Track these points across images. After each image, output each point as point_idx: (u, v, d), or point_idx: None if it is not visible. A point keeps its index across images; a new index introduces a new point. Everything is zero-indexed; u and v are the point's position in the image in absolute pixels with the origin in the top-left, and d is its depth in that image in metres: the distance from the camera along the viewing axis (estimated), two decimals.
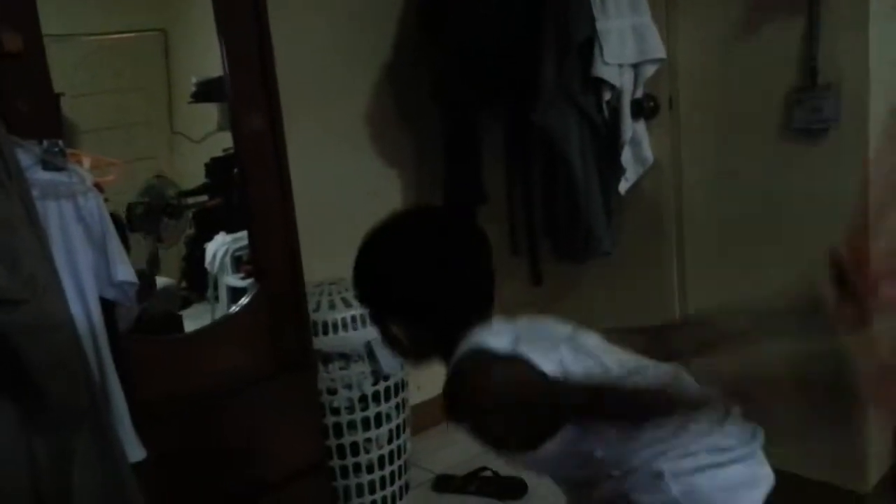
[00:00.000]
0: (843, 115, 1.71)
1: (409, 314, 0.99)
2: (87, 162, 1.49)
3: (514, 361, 0.90)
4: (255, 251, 1.81)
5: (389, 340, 1.03)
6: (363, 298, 1.05)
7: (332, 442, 1.87)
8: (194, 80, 2.02)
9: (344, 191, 2.23)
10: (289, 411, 1.72)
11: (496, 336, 0.93)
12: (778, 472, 1.97)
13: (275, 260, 1.77)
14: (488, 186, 2.24)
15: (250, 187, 1.77)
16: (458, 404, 0.93)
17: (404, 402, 1.99)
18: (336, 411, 1.86)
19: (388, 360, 1.84)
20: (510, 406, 0.90)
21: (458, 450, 2.27)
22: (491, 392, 0.90)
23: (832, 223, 1.70)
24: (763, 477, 0.97)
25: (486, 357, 0.91)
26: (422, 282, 0.97)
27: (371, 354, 1.83)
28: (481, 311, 0.99)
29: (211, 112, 2.07)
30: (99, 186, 1.46)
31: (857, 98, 1.69)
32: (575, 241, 1.99)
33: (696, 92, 1.94)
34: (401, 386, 1.96)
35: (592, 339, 1.01)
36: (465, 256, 1.00)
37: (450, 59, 2.11)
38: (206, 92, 2.03)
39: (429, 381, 2.44)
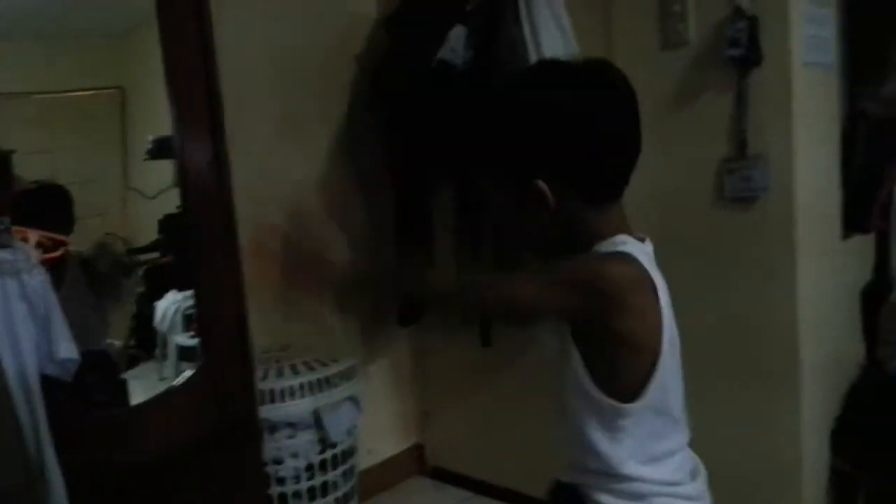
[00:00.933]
0: (771, 184, 1.83)
1: (560, 163, 0.93)
2: (33, 238, 1.53)
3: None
4: (202, 317, 1.83)
5: (522, 209, 0.98)
6: (512, 141, 0.97)
7: None
8: (150, 137, 2.07)
9: (294, 257, 2.27)
10: (234, 482, 1.74)
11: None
12: None
13: (222, 327, 1.80)
14: (439, 252, 2.31)
15: (199, 250, 1.80)
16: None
17: (352, 469, 2.02)
18: (282, 481, 1.88)
19: (335, 427, 1.87)
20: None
21: None
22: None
23: (762, 283, 1.85)
24: None
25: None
26: (587, 128, 0.93)
27: (318, 422, 1.86)
28: (615, 190, 0.99)
29: (166, 169, 2.12)
30: (46, 262, 1.50)
31: (783, 167, 1.81)
32: None
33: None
34: (349, 453, 1.99)
35: None
36: (625, 120, 0.97)
37: (402, 128, 2.20)
38: (162, 149, 2.07)
39: (379, 444, 2.48)
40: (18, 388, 1.41)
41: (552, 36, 1.96)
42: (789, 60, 1.77)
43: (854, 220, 2.09)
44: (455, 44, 2.06)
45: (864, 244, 2.19)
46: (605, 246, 0.96)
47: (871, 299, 2.19)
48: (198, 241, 1.80)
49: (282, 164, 2.26)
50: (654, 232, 1.98)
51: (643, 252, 0.98)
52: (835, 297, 2.04)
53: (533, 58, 1.95)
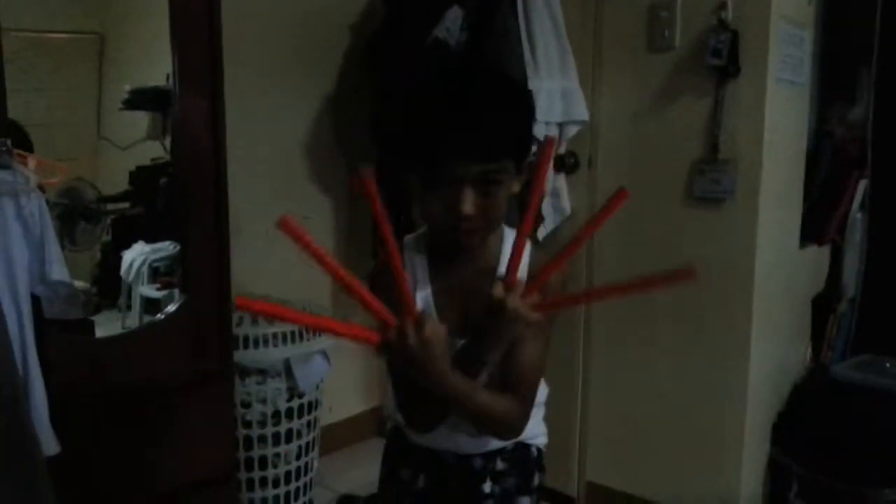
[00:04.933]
0: (738, 188, 2.05)
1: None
2: (32, 163, 1.66)
3: None
4: (185, 262, 1.97)
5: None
6: None
7: (242, 454, 2.04)
8: (128, 87, 2.16)
9: (277, 212, 2.41)
10: (203, 422, 1.88)
11: None
12: None
13: (203, 273, 1.94)
14: (418, 225, 2.48)
15: (186, 199, 1.92)
16: None
17: (315, 420, 2.18)
18: (248, 424, 2.04)
19: (304, 377, 2.04)
20: None
21: (363, 472, 2.46)
22: None
23: (722, 280, 2.07)
24: None
25: None
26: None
27: (289, 371, 2.02)
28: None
29: (141, 120, 2.22)
30: (41, 188, 1.63)
31: (751, 174, 2.03)
32: None
33: (613, 154, 2.26)
34: (314, 405, 2.16)
35: None
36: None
37: (387, 99, 2.36)
38: (139, 100, 2.17)
39: (340, 403, 2.65)
40: (10, 307, 1.53)
41: (545, 29, 2.15)
42: (765, 75, 1.99)
43: (811, 231, 2.34)
44: (450, 24, 2.22)
45: (818, 255, 2.45)
46: None
47: (821, 307, 2.45)
48: (188, 192, 1.92)
49: (270, 124, 2.41)
50: (625, 222, 2.23)
51: None
52: (788, 301, 2.28)
53: (525, 48, 2.13)
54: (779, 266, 2.17)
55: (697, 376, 2.16)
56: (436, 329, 0.95)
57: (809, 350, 2.43)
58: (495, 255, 1.14)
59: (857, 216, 2.47)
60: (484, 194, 1.03)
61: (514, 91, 1.14)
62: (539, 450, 1.27)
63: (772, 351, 2.19)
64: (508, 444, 1.22)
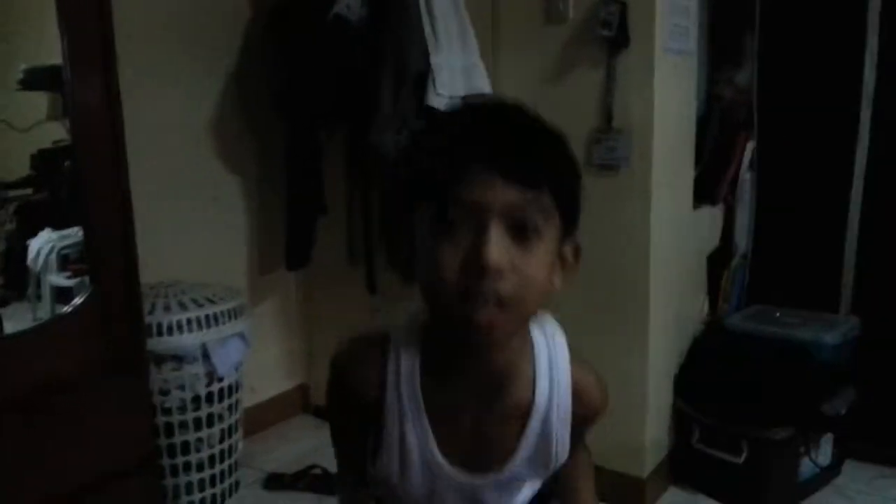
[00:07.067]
0: (632, 155, 2.16)
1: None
2: None
3: None
4: (90, 249, 1.94)
5: None
6: None
7: (163, 441, 2.06)
8: (23, 66, 2.11)
9: (184, 194, 2.41)
10: (119, 412, 1.88)
11: None
12: None
13: (109, 259, 1.91)
14: (329, 198, 2.51)
15: (86, 183, 1.88)
16: None
17: (237, 403, 2.22)
18: (168, 411, 2.06)
19: (222, 361, 2.06)
20: None
21: (289, 450, 2.53)
22: None
23: (621, 243, 2.18)
24: None
25: None
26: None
27: (206, 356, 2.04)
28: None
29: (40, 101, 2.17)
30: None
31: (643, 141, 2.14)
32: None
33: None
34: (234, 388, 2.19)
35: None
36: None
37: (293, 73, 2.36)
38: (37, 80, 2.11)
39: (263, 383, 2.68)
40: None
41: (444, 4, 2.19)
42: (653, 45, 2.09)
43: (705, 192, 2.49)
44: (350, 0, 2.24)
45: (712, 214, 2.60)
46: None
47: (716, 264, 2.61)
48: (86, 172, 1.89)
49: (172, 103, 2.37)
50: None
51: None
52: (683, 259, 2.43)
53: (425, 23, 2.16)
54: (673, 226, 2.30)
55: (601, 335, 2.28)
56: None
57: (706, 304, 2.60)
58: (525, 374, 0.84)
59: (746, 176, 2.63)
60: (517, 242, 0.73)
61: (554, 128, 0.85)
62: None
63: (670, 307, 2.34)
64: None
